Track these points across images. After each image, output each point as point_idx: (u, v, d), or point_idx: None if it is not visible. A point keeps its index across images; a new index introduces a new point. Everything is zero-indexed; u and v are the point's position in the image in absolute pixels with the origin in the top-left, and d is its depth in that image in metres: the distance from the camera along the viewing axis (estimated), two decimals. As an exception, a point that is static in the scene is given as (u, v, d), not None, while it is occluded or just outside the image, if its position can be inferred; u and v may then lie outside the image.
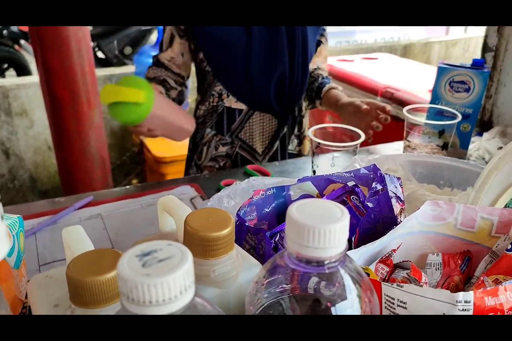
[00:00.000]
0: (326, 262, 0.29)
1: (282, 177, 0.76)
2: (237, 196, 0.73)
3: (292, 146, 1.18)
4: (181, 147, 2.19)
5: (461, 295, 0.33)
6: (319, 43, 1.16)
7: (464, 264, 0.46)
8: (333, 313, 0.31)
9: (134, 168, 2.55)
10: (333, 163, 0.93)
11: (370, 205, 0.47)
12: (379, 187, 0.49)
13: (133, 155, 2.48)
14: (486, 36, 1.19)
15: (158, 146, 2.21)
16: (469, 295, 0.33)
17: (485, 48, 1.19)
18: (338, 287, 0.31)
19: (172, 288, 0.24)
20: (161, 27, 1.83)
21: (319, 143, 0.89)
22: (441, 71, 1.02)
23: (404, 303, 0.35)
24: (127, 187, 0.94)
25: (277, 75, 1.06)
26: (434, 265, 0.46)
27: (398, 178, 0.51)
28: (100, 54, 3.02)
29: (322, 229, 0.28)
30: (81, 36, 1.76)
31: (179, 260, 0.26)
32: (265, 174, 0.99)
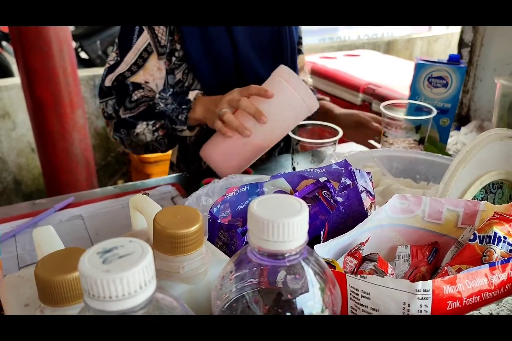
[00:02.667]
0: (286, 255, 0.30)
1: (262, 175, 0.76)
2: (216, 193, 0.74)
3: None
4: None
5: (420, 284, 0.34)
6: (299, 51, 1.13)
7: (432, 255, 0.47)
8: (295, 305, 0.32)
9: (119, 168, 2.54)
10: (313, 159, 0.94)
11: (339, 199, 0.48)
12: (348, 181, 0.50)
13: (118, 156, 2.47)
14: (462, 32, 1.21)
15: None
16: (428, 284, 0.34)
17: (461, 43, 1.21)
18: (300, 279, 0.31)
19: (132, 283, 0.25)
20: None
21: (299, 140, 0.90)
22: (419, 67, 1.03)
23: (367, 293, 0.36)
24: (109, 187, 0.94)
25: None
26: (403, 257, 0.48)
27: (368, 173, 0.52)
28: (83, 55, 3.01)
29: (281, 223, 0.29)
30: (62, 37, 1.75)
31: (139, 256, 0.26)
32: (246, 172, 0.99)
